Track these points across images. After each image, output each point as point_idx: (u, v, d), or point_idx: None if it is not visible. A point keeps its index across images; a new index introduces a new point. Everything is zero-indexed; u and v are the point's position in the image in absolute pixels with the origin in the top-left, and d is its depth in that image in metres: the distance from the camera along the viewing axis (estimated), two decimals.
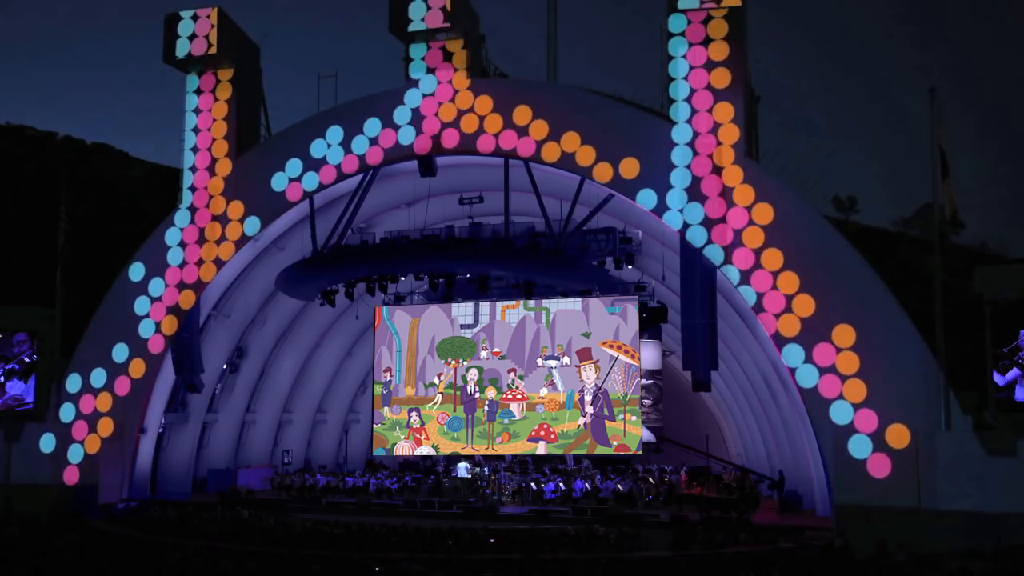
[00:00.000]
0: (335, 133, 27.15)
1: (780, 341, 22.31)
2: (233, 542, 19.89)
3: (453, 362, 31.71)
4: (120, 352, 28.32)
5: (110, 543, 20.07)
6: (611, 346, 30.24)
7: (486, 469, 28.92)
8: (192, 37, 28.09)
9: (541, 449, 30.13)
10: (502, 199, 25.94)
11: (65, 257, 29.81)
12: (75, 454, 27.95)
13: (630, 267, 29.15)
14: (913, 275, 40.15)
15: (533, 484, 27.37)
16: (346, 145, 27.05)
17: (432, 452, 31.43)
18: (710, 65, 23.57)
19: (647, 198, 23.84)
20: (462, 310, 32.01)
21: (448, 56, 26.12)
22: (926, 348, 21.46)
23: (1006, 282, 21.67)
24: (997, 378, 21.05)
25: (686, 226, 23.31)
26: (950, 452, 20.93)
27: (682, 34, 23.82)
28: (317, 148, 27.33)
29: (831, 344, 21.95)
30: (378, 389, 32.57)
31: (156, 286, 28.32)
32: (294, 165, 27.48)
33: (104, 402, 28.12)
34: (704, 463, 31.89)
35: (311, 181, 27.29)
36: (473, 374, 31.39)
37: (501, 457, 30.31)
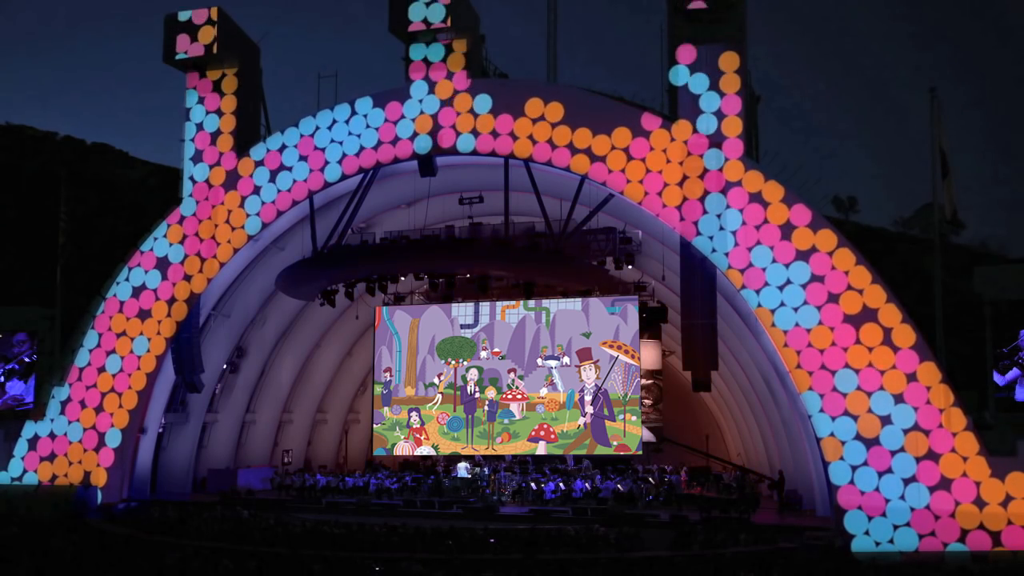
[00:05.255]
0: (339, 130, 27.18)
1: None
2: (233, 542, 19.86)
3: (453, 362, 31.73)
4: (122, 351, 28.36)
5: (110, 543, 20.04)
6: (611, 346, 30.26)
7: (486, 469, 28.92)
8: (192, 36, 28.07)
9: (541, 449, 30.15)
10: (502, 199, 25.92)
11: (65, 257, 29.82)
12: (75, 454, 27.98)
13: (630, 267, 29.16)
14: (913, 275, 40.26)
15: (533, 484, 27.36)
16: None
17: (432, 452, 31.45)
18: (710, 66, 23.53)
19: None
20: (462, 310, 32.04)
21: (448, 56, 26.09)
22: (926, 347, 21.41)
23: (1006, 282, 21.69)
24: (997, 378, 21.06)
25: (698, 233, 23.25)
26: None
27: (682, 42, 23.77)
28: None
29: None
30: (378, 389, 32.60)
31: (156, 285, 28.26)
32: (296, 164, 27.49)
33: (105, 399, 28.11)
34: (704, 463, 31.89)
35: (315, 179, 27.30)
36: (473, 374, 31.41)
37: (501, 457, 30.33)
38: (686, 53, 23.62)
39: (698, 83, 23.58)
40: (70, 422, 28.25)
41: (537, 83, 25.81)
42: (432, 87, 26.07)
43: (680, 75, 23.64)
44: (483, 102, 25.49)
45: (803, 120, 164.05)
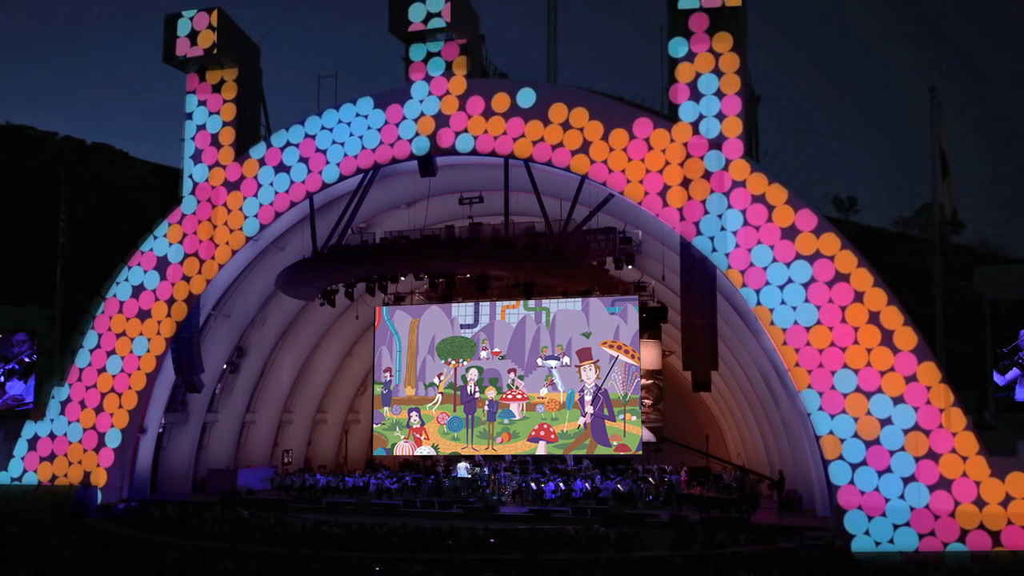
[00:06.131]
0: (338, 132, 27.16)
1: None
2: (233, 542, 19.87)
3: (453, 362, 31.73)
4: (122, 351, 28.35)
5: (110, 543, 20.05)
6: (611, 346, 30.26)
7: (486, 469, 28.92)
8: (192, 37, 28.03)
9: (541, 449, 30.15)
10: (502, 199, 25.91)
11: (65, 257, 29.83)
12: (75, 454, 27.98)
13: (630, 267, 29.15)
14: (913, 275, 40.25)
15: (533, 484, 27.36)
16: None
17: (432, 452, 31.45)
18: (710, 65, 23.52)
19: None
20: (462, 310, 32.04)
21: (448, 55, 26.06)
22: (926, 347, 21.40)
23: (1006, 282, 21.70)
24: (997, 378, 21.07)
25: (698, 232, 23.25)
26: None
27: (682, 35, 23.76)
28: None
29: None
30: (378, 389, 32.60)
31: (156, 285, 28.25)
32: (296, 164, 27.48)
33: (106, 399, 28.11)
34: (704, 463, 31.90)
35: (314, 180, 27.27)
36: (473, 374, 31.42)
37: (501, 457, 30.33)
38: (681, 92, 23.61)
39: (699, 86, 23.58)
40: (70, 422, 28.23)
41: (537, 83, 25.78)
42: (432, 87, 26.04)
43: (688, 112, 23.58)
44: (482, 102, 25.46)
45: (803, 120, 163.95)
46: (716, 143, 23.23)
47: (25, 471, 28.40)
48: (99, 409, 28.06)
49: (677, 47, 23.73)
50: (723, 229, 22.83)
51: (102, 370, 28.26)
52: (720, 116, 23.30)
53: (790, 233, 22.33)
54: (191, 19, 28.06)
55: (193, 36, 28.01)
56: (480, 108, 25.49)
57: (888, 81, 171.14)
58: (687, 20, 23.65)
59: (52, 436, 28.37)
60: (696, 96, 23.54)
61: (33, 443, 28.51)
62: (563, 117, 24.59)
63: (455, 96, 25.79)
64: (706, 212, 23.05)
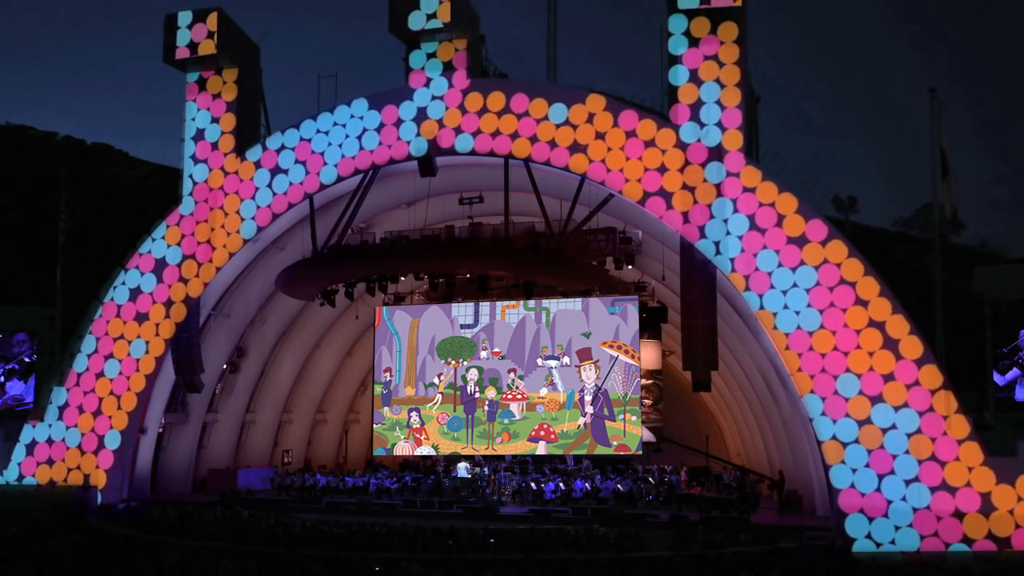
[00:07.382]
0: (334, 134, 27.14)
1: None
2: (233, 542, 19.85)
3: (453, 362, 31.74)
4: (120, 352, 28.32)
5: (110, 543, 20.04)
6: (611, 346, 30.26)
7: (486, 469, 28.92)
8: (192, 48, 27.90)
9: (541, 449, 30.15)
10: (502, 199, 25.89)
11: (65, 257, 29.82)
12: (73, 459, 27.94)
13: (630, 267, 29.15)
14: (913, 275, 40.25)
15: (533, 484, 27.36)
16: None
17: (432, 452, 31.46)
18: (710, 66, 23.50)
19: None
20: (462, 310, 32.05)
21: (448, 56, 26.06)
22: (931, 354, 21.35)
23: (1006, 282, 21.68)
24: (997, 378, 21.06)
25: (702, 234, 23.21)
26: None
27: (682, 34, 23.75)
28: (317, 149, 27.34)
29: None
30: (378, 389, 32.60)
31: (153, 288, 28.21)
32: (293, 167, 27.46)
33: (104, 403, 28.07)
34: (704, 463, 31.89)
35: (312, 181, 27.25)
36: (473, 374, 31.42)
37: (501, 457, 30.33)
38: (681, 113, 23.59)
39: (697, 85, 23.57)
40: (68, 427, 28.05)
41: (536, 82, 25.78)
42: (431, 88, 26.01)
43: (688, 132, 23.55)
44: (481, 102, 25.44)
45: (803, 120, 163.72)
46: (717, 146, 23.18)
47: (23, 476, 28.28)
48: (97, 412, 27.92)
49: (677, 46, 23.73)
50: (728, 233, 22.77)
51: (100, 374, 28.13)
52: (721, 125, 23.23)
53: (797, 240, 22.24)
54: (189, 28, 27.90)
55: (193, 47, 27.91)
56: (479, 108, 25.46)
57: (888, 81, 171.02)
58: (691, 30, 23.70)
59: (50, 441, 28.24)
60: (697, 105, 23.47)
61: (31, 448, 28.39)
62: (561, 117, 24.57)
63: (454, 96, 25.74)
64: (711, 216, 22.94)
